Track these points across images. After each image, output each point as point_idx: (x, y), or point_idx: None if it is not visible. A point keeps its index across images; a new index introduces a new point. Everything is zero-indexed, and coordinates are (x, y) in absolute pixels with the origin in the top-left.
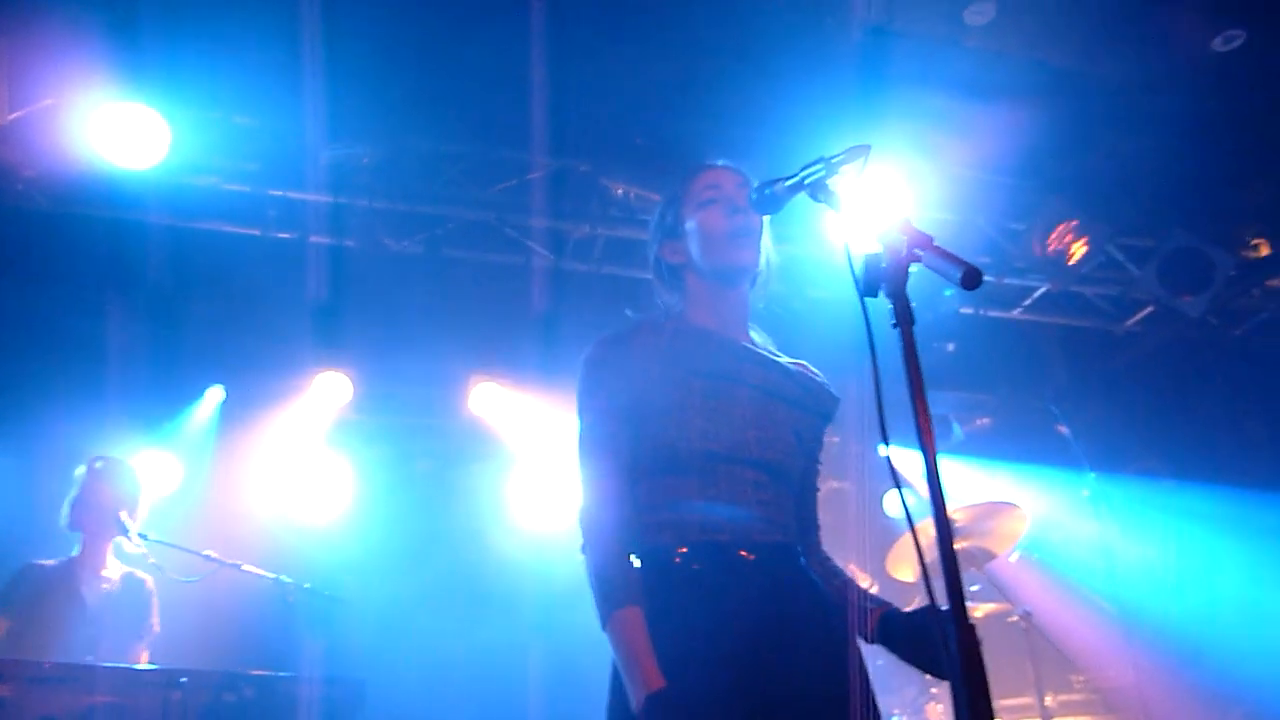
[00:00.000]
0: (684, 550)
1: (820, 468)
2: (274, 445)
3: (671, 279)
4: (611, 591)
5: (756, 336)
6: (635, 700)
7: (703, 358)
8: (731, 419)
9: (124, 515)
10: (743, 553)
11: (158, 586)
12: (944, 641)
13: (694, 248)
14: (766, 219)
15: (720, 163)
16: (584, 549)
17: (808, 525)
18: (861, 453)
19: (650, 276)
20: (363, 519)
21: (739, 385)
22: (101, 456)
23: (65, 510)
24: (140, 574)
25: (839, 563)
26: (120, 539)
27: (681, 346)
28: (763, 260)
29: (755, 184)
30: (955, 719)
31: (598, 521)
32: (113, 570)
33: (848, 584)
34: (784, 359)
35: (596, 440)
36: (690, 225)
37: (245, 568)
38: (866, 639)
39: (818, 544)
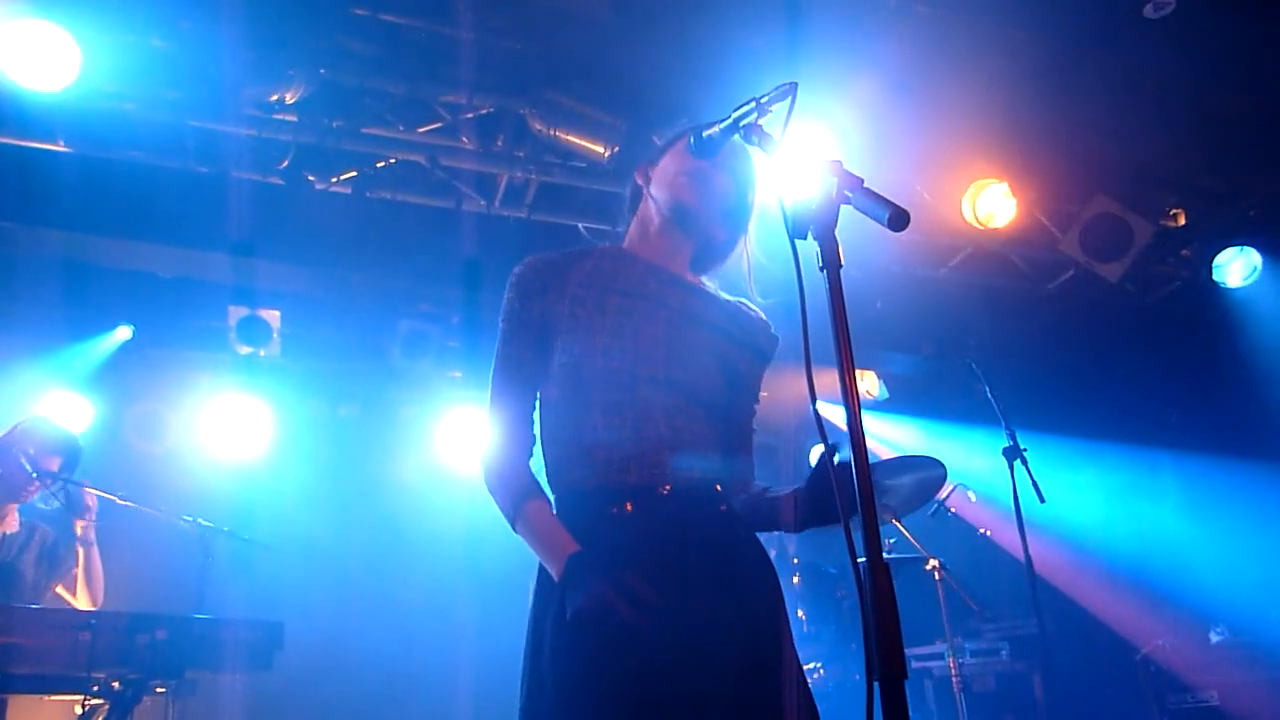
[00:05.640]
0: (591, 491)
1: (756, 407)
2: (190, 386)
3: (634, 201)
4: (513, 492)
5: (697, 275)
6: (555, 570)
7: (623, 277)
8: (640, 336)
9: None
10: (665, 488)
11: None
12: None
13: (655, 177)
14: (753, 181)
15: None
16: (481, 461)
17: (735, 459)
18: (790, 408)
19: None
20: (284, 462)
21: (657, 305)
22: (21, 421)
23: None
24: (45, 528)
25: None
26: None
27: (605, 267)
28: (716, 209)
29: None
30: (865, 655)
31: (489, 439)
32: (14, 524)
33: (772, 505)
34: (721, 295)
35: (500, 361)
36: (665, 158)
37: (161, 511)
38: (795, 528)
39: (748, 479)
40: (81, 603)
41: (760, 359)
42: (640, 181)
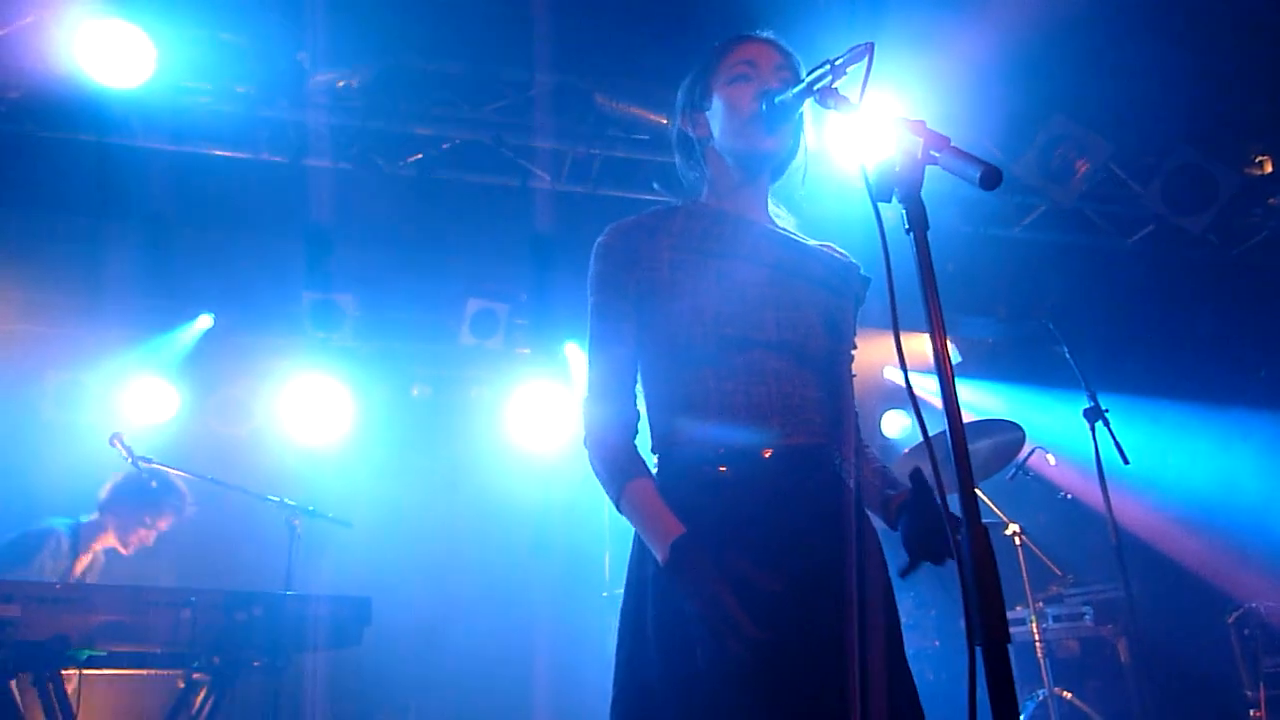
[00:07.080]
0: (702, 455)
1: (855, 352)
2: (271, 371)
3: (691, 153)
4: (617, 471)
5: (779, 219)
6: (661, 555)
7: (716, 239)
8: (747, 300)
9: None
10: (767, 452)
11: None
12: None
13: (716, 125)
14: (807, 104)
15: (763, 35)
16: (585, 442)
17: (842, 415)
18: (862, 372)
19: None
20: (362, 442)
21: (756, 266)
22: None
23: (116, 498)
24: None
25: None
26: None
27: (694, 229)
28: (786, 144)
29: (780, 85)
30: (966, 620)
31: (592, 416)
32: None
33: (878, 475)
34: (808, 241)
35: (597, 334)
36: (716, 101)
37: (248, 491)
38: (891, 526)
39: (853, 436)
40: None
41: (855, 304)
42: (692, 133)
